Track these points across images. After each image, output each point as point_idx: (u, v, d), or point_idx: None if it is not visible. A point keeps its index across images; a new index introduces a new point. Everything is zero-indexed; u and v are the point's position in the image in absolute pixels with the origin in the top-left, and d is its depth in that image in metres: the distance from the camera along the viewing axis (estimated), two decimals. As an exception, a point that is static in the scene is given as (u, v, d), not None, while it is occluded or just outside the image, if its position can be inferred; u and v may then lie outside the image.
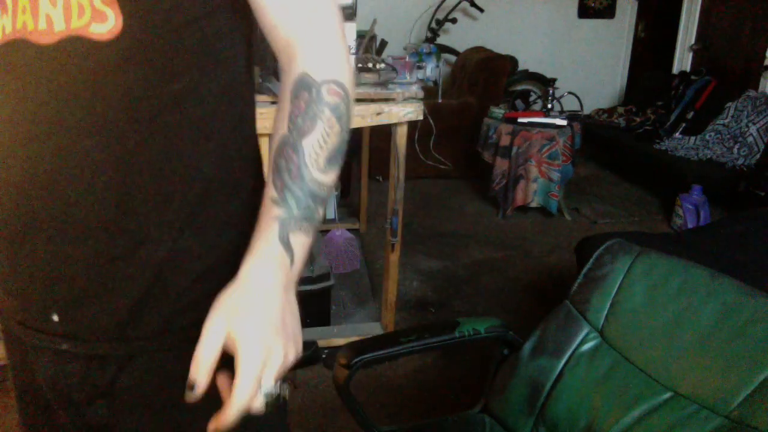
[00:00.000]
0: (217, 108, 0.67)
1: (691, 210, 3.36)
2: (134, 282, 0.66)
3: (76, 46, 0.58)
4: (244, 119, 0.73)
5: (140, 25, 0.59)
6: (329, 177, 0.64)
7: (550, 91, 3.93)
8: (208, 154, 0.67)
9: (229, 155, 0.70)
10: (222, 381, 0.58)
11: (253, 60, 0.75)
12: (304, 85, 0.64)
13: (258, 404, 0.55)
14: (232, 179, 0.71)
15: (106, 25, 0.58)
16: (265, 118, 1.78)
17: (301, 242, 0.62)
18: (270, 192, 0.63)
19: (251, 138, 0.76)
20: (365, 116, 1.92)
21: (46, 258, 0.65)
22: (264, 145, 1.85)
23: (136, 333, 0.68)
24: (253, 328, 0.56)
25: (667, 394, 1.08)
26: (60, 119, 0.60)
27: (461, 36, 5.17)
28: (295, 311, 0.62)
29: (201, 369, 0.55)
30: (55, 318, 0.67)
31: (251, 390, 0.54)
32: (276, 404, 0.56)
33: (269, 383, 0.56)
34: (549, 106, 3.88)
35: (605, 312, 1.21)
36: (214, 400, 0.73)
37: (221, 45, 0.66)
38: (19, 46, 0.59)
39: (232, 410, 0.54)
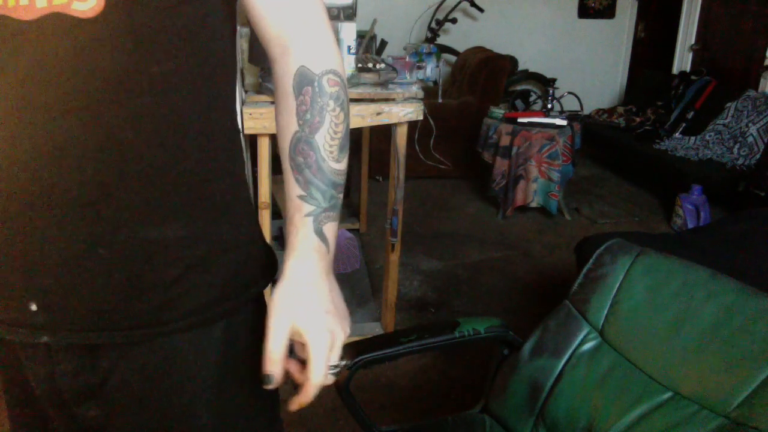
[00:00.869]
0: (199, 94, 0.66)
1: (691, 210, 3.36)
2: (117, 269, 0.64)
3: (57, 22, 0.57)
4: (226, 109, 0.72)
5: (123, 5, 0.58)
6: (343, 164, 0.70)
7: (550, 91, 3.93)
8: (189, 139, 0.66)
9: (211, 143, 0.69)
10: (292, 366, 0.66)
11: (236, 50, 0.74)
12: (306, 79, 0.68)
13: (329, 379, 0.65)
14: (215, 167, 0.69)
15: (88, 3, 0.57)
16: (265, 118, 1.80)
17: (332, 229, 0.70)
18: (295, 190, 0.69)
19: (233, 129, 0.74)
20: (365, 116, 1.92)
21: (24, 242, 0.63)
22: (264, 144, 1.86)
23: (125, 323, 0.66)
24: (314, 319, 0.65)
25: (667, 394, 1.08)
26: (39, 97, 0.59)
27: (461, 36, 5.17)
28: (338, 290, 0.70)
29: (274, 362, 0.64)
30: (33, 307, 0.64)
31: (324, 370, 0.64)
32: (340, 372, 0.68)
33: (335, 360, 0.66)
34: (549, 106, 3.88)
35: (605, 312, 1.21)
36: (206, 399, 0.73)
37: (206, 31, 0.65)
38: None
39: (310, 389, 0.64)
